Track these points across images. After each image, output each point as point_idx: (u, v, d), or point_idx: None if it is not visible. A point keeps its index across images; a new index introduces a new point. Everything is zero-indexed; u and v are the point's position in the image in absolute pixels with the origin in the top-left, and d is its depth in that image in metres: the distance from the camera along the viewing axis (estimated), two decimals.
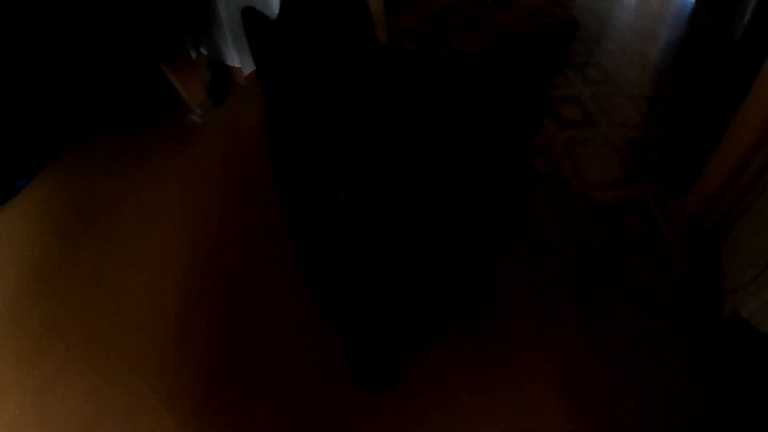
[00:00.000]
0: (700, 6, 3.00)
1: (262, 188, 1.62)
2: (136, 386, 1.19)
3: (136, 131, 1.84)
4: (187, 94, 1.81)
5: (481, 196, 0.59)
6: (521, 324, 1.29)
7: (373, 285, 0.68)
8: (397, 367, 1.19)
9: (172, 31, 1.71)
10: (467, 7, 2.53)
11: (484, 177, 0.59)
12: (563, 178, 1.64)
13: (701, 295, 1.39)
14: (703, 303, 1.36)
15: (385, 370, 1.18)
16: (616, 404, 1.15)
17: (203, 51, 2.02)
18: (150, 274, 1.42)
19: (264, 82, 0.83)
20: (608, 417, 1.14)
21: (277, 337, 1.26)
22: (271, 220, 1.52)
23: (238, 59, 1.94)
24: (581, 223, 1.55)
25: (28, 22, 1.51)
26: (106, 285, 1.39)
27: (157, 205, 1.58)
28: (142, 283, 1.39)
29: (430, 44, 2.21)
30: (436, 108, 0.59)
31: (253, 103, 1.94)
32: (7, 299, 1.35)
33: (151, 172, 1.68)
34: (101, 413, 1.15)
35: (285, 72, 0.68)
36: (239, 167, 1.70)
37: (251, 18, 0.75)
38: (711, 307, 1.34)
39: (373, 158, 0.56)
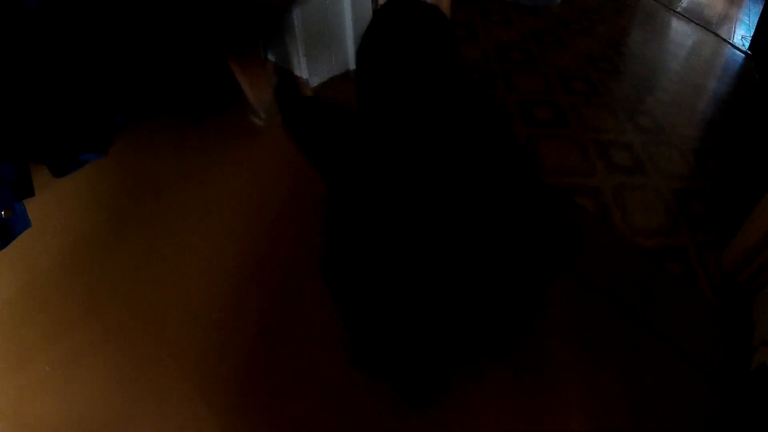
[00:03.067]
0: (750, 62, 3.07)
1: (314, 197, 1.62)
2: (170, 372, 1.21)
3: (199, 124, 1.90)
4: (253, 96, 1.88)
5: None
6: (561, 357, 1.36)
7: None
8: (442, 383, 1.23)
9: (246, 32, 1.80)
10: (528, 44, 2.64)
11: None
12: (611, 222, 1.74)
13: (731, 345, 1.45)
14: (733, 353, 1.43)
15: (430, 387, 1.23)
16: None
17: (271, 57, 2.11)
18: (198, 263, 1.45)
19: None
20: None
21: (323, 341, 1.29)
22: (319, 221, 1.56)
23: (307, 70, 2.02)
24: (625, 266, 1.63)
25: (113, 10, 1.58)
26: (151, 268, 1.42)
27: (211, 196, 1.63)
28: (189, 272, 1.42)
29: (493, 77, 2.33)
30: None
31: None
32: (48, 269, 1.40)
33: (209, 165, 1.73)
34: (130, 392, 1.18)
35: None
36: (295, 173, 1.74)
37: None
38: (740, 358, 1.41)
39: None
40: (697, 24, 3.36)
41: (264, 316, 1.35)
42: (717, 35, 3.30)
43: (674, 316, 1.52)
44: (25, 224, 1.44)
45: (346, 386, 1.22)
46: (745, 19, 3.66)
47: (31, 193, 1.50)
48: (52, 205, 1.57)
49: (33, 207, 1.49)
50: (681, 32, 3.23)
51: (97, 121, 1.71)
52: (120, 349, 1.26)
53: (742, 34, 3.42)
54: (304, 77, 2.04)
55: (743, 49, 3.20)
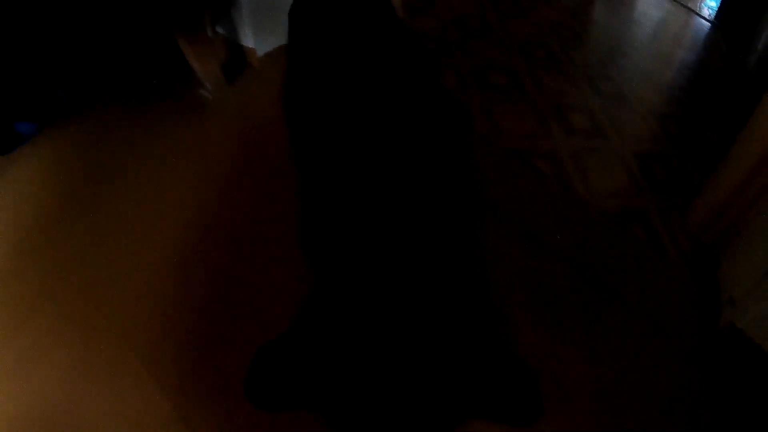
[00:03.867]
0: (716, 32, 3.03)
1: (265, 167, 1.65)
2: (121, 351, 1.20)
3: (148, 100, 1.87)
4: (200, 69, 1.83)
5: None
6: (521, 325, 1.31)
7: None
8: None
9: (192, 5, 1.74)
10: (487, 12, 2.57)
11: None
12: (570, 185, 1.68)
13: (698, 305, 1.42)
14: (699, 313, 1.40)
15: None
16: (607, 407, 1.18)
17: (219, 30, 2.04)
18: (149, 240, 1.43)
19: None
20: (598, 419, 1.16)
21: (269, 318, 1.24)
22: (270, 198, 1.55)
23: (253, 40, 1.97)
24: (584, 228, 1.58)
25: None
26: (103, 247, 1.41)
27: (162, 174, 1.61)
28: (139, 249, 1.41)
29: (449, 47, 2.26)
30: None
31: (264, 84, 1.97)
32: (1, 256, 1.37)
33: (159, 142, 1.72)
34: (85, 376, 1.16)
35: None
36: (245, 146, 1.73)
37: None
38: (707, 318, 1.38)
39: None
40: None
41: (216, 290, 1.34)
42: (684, 6, 3.27)
43: (638, 279, 1.48)
44: None
45: None
46: None
47: None
48: (3, 192, 1.54)
49: None
50: (647, 3, 3.19)
51: (31, 91, 1.65)
52: (76, 330, 1.24)
53: (708, 5, 3.39)
54: (251, 46, 1.99)
55: (710, 19, 3.17)
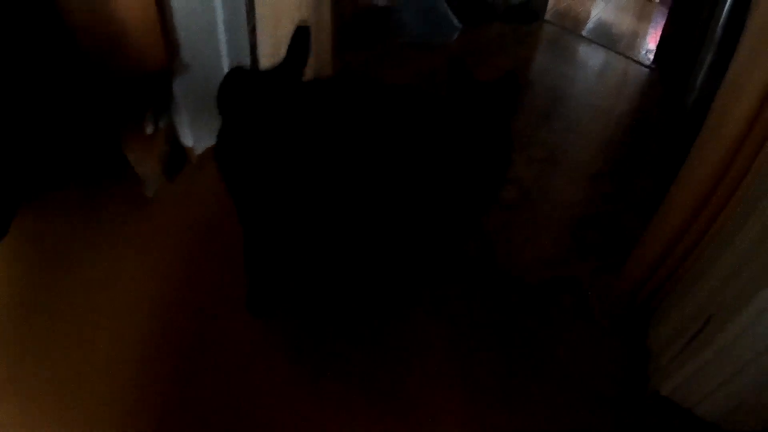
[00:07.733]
0: (654, 75, 3.14)
1: (211, 254, 1.70)
2: None
3: (92, 197, 1.89)
4: (139, 168, 1.86)
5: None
6: (439, 396, 1.32)
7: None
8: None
9: (135, 104, 1.78)
10: (421, 84, 2.62)
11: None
12: (497, 261, 1.72)
13: (629, 373, 1.44)
14: (630, 381, 1.41)
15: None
16: None
17: (161, 125, 2.09)
18: (109, 326, 1.45)
19: None
20: None
21: (232, 387, 1.31)
22: (220, 277, 1.61)
23: (192, 138, 2.01)
24: (511, 302, 1.60)
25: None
26: (64, 334, 1.42)
27: (113, 264, 1.64)
28: (101, 335, 1.43)
29: None
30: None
31: (204, 180, 2.01)
32: None
33: (109, 233, 1.75)
34: None
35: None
36: (189, 237, 1.77)
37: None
38: (637, 385, 1.40)
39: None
40: (601, 45, 3.45)
41: (178, 368, 1.36)
42: (621, 54, 3.38)
43: (567, 348, 1.50)
44: None
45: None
46: (652, 32, 3.77)
47: None
48: None
49: None
50: (585, 55, 3.31)
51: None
52: (40, 421, 1.23)
53: (647, 49, 3.52)
54: (189, 145, 2.03)
55: (647, 63, 3.28)
